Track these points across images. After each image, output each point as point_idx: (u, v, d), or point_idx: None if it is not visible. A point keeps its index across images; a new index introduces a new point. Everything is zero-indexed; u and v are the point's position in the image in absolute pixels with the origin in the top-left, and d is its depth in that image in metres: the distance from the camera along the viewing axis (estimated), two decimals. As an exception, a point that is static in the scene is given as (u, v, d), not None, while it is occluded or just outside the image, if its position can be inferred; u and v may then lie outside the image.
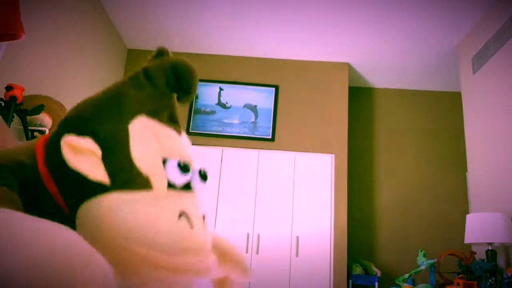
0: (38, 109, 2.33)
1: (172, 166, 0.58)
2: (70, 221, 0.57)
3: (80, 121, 0.60)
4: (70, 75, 3.33)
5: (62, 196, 0.58)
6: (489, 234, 2.78)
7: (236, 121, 4.35)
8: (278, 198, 4.04)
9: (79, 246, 0.43)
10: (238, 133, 4.30)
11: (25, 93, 2.44)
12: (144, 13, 3.92)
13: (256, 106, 4.39)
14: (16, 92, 2.29)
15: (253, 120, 4.35)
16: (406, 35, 3.97)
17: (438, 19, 3.68)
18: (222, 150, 4.20)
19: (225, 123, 4.35)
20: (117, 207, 0.53)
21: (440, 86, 4.89)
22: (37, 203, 0.59)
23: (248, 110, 4.38)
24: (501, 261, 3.02)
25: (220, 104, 4.42)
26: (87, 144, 0.55)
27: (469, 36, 3.81)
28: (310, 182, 4.09)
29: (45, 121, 2.48)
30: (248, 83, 4.47)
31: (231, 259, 0.82)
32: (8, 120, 2.16)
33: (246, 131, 4.31)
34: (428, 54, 4.26)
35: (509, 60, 3.14)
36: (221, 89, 4.46)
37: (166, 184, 0.57)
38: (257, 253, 3.86)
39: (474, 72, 3.64)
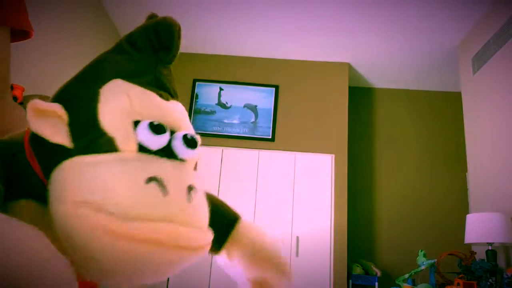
0: (38, 109, 2.33)
1: (143, 127, 0.53)
2: None
3: (58, 92, 0.60)
4: (70, 75, 3.32)
5: (41, 170, 0.55)
6: (489, 234, 2.78)
7: (236, 121, 4.35)
8: (278, 198, 4.03)
9: (50, 260, 0.40)
10: (238, 133, 4.30)
11: (25, 93, 2.44)
12: (144, 14, 3.91)
13: (256, 106, 4.39)
14: (16, 92, 2.29)
15: (253, 120, 4.35)
16: (406, 35, 3.96)
17: (438, 19, 3.67)
18: (222, 150, 4.20)
19: (225, 123, 4.35)
20: (77, 171, 0.50)
21: (440, 86, 4.88)
22: (27, 184, 0.56)
23: (248, 110, 4.38)
24: (501, 261, 3.02)
25: (220, 104, 4.42)
26: (51, 106, 0.53)
27: (469, 36, 3.81)
28: (310, 182, 4.09)
29: (45, 121, 2.48)
30: (248, 83, 4.46)
31: (269, 260, 0.78)
32: (8, 120, 2.16)
33: (246, 131, 4.31)
34: (428, 54, 4.25)
35: (509, 60, 3.14)
36: (221, 89, 4.46)
37: (134, 146, 0.52)
38: (257, 253, 3.85)
39: (474, 72, 3.64)
